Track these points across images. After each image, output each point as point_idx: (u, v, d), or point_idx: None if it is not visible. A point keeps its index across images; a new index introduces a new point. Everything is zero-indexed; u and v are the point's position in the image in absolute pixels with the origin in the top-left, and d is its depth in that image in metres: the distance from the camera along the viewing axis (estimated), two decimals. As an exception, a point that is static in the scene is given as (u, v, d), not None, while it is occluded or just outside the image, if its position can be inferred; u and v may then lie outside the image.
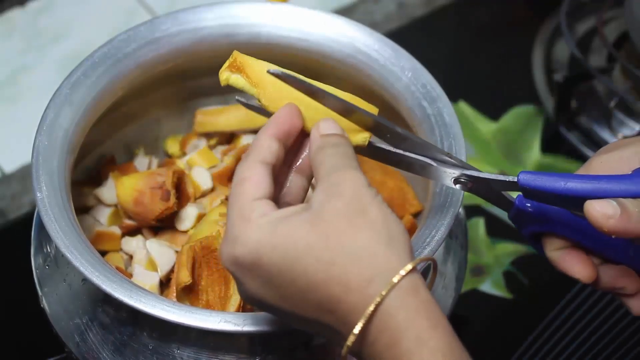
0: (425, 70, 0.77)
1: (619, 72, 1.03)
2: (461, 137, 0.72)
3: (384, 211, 0.56)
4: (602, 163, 0.61)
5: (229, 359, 0.66)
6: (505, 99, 1.06)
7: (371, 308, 0.53)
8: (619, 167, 0.60)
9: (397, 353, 0.53)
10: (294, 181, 0.62)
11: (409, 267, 0.54)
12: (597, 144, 1.01)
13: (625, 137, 0.91)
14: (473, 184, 0.64)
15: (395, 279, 0.54)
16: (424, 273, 0.72)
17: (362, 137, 0.62)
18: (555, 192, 0.59)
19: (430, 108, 0.74)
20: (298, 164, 0.63)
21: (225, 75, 0.63)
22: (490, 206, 0.96)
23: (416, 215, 0.80)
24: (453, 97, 0.77)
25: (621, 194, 0.57)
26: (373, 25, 1.09)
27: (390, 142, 0.63)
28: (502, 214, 0.95)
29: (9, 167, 0.99)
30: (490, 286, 0.90)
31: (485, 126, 1.04)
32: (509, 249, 0.93)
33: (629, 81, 1.02)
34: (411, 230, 0.76)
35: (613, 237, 0.56)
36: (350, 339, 0.54)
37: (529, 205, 0.63)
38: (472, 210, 0.95)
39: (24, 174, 0.98)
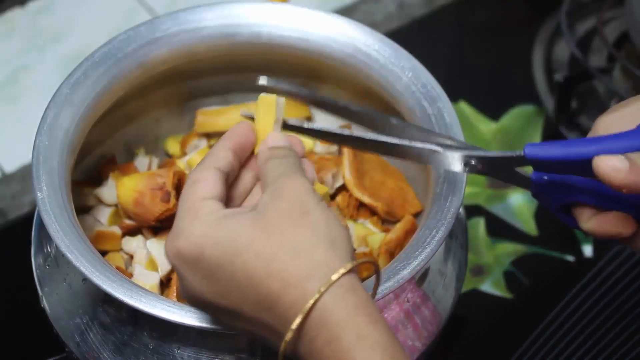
0: (426, 70, 0.77)
1: (619, 72, 1.03)
2: (461, 137, 0.72)
3: (327, 214, 0.57)
4: (606, 124, 0.61)
5: (229, 359, 0.66)
6: (505, 99, 1.06)
7: (310, 303, 0.54)
8: (624, 124, 0.59)
9: (337, 349, 0.54)
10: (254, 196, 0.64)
11: (349, 266, 0.55)
12: (597, 143, 1.01)
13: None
14: (483, 166, 0.63)
15: (334, 277, 0.54)
16: (425, 273, 0.72)
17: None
18: (563, 159, 0.58)
19: (431, 108, 0.74)
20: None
21: None
22: (490, 206, 0.96)
23: (416, 215, 0.80)
24: (453, 97, 0.77)
25: (628, 149, 0.56)
26: (373, 25, 1.09)
27: (391, 135, 0.64)
28: (503, 214, 0.95)
29: (9, 166, 0.99)
30: (490, 286, 0.90)
31: (486, 126, 1.04)
32: (509, 249, 0.93)
33: (629, 81, 1.02)
34: (411, 230, 0.76)
35: (625, 192, 0.55)
36: (289, 335, 0.54)
37: (545, 177, 0.62)
38: (472, 210, 0.95)
39: (24, 174, 0.98)
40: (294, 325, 0.54)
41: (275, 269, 0.55)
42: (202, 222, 0.57)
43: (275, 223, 0.56)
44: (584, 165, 0.57)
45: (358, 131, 0.65)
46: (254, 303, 0.56)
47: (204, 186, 0.59)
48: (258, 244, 0.55)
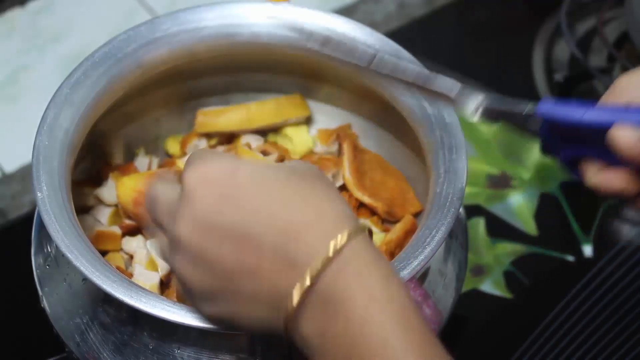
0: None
1: (619, 72, 1.03)
2: (462, 137, 0.72)
3: (327, 182, 0.57)
4: (627, 84, 0.59)
5: (229, 359, 0.66)
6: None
7: (324, 257, 0.52)
8: None
9: (349, 310, 0.51)
10: None
11: (355, 227, 0.53)
12: (597, 143, 1.01)
13: None
14: (490, 114, 0.62)
15: (345, 237, 0.52)
16: (425, 273, 0.72)
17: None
18: (575, 122, 0.58)
19: (431, 108, 0.74)
20: None
21: None
22: (490, 206, 0.96)
23: (416, 215, 0.80)
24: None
25: None
26: (373, 25, 1.09)
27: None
28: (503, 214, 0.95)
29: (9, 167, 0.99)
30: (490, 286, 0.90)
31: (486, 126, 1.03)
32: (509, 249, 0.93)
33: (629, 81, 1.02)
34: (411, 230, 0.76)
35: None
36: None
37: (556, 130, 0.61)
38: (472, 210, 0.95)
39: (24, 174, 0.98)
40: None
41: (306, 199, 0.54)
42: (228, 156, 0.56)
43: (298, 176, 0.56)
44: (599, 131, 0.56)
45: (389, 57, 0.63)
46: (278, 231, 0.53)
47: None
48: (283, 179, 0.55)
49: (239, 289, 0.54)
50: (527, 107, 0.60)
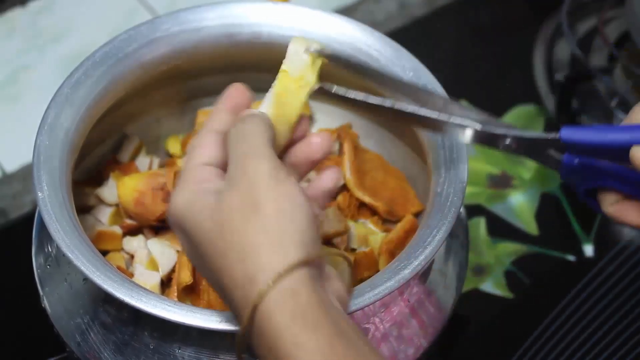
0: (427, 70, 0.76)
1: (620, 71, 1.03)
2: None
3: (278, 205, 0.56)
4: None
5: (229, 359, 0.66)
6: (506, 99, 1.06)
7: (248, 311, 0.54)
8: None
9: (277, 357, 0.53)
10: None
11: (289, 266, 0.54)
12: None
13: None
14: (517, 145, 0.63)
15: (271, 281, 0.54)
16: (426, 273, 0.72)
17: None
18: (599, 144, 0.59)
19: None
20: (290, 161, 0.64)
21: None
22: (491, 205, 0.96)
23: (417, 214, 0.80)
24: (454, 97, 0.77)
25: None
26: (374, 25, 1.08)
27: (430, 108, 0.64)
28: (503, 214, 0.95)
29: (10, 166, 0.99)
30: (491, 286, 0.90)
31: (486, 126, 1.03)
32: (510, 249, 0.93)
33: (630, 81, 1.02)
34: (412, 230, 0.76)
35: None
36: (238, 337, 0.55)
37: (576, 161, 0.63)
38: (473, 210, 0.95)
39: (25, 174, 0.98)
40: (240, 331, 0.55)
41: (226, 266, 0.56)
42: (184, 192, 0.58)
43: (228, 218, 0.56)
44: (620, 153, 0.58)
45: (400, 103, 0.64)
46: (218, 287, 0.58)
47: (200, 152, 0.60)
48: (214, 237, 0.56)
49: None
50: (550, 134, 0.62)
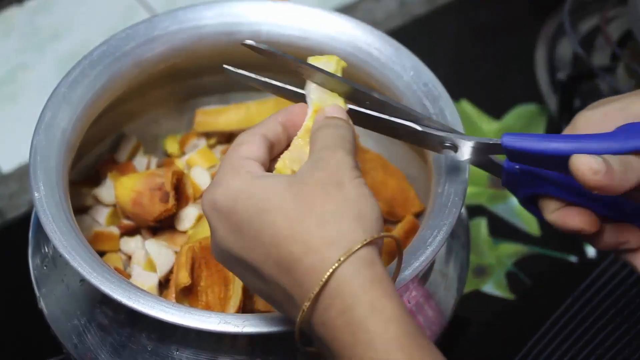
0: (427, 69, 0.76)
1: (622, 70, 1.03)
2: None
3: (360, 190, 0.57)
4: (586, 121, 0.61)
5: (228, 361, 0.66)
6: (508, 98, 1.06)
7: (329, 272, 0.54)
8: (603, 124, 0.60)
9: (351, 319, 0.54)
10: None
11: (369, 239, 0.55)
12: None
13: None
14: (458, 149, 0.65)
15: (354, 247, 0.55)
16: (426, 274, 0.72)
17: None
18: (538, 152, 0.59)
19: (432, 107, 0.74)
20: None
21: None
22: (492, 206, 0.96)
23: (418, 215, 0.80)
24: (455, 96, 0.76)
25: (604, 151, 0.57)
26: (374, 23, 1.08)
27: (371, 109, 0.65)
28: (505, 214, 0.95)
29: (7, 166, 0.99)
30: (492, 287, 0.90)
31: (488, 125, 1.03)
32: (511, 250, 0.93)
33: (632, 80, 1.02)
34: (413, 231, 0.76)
35: (595, 193, 0.56)
36: (306, 304, 0.55)
37: (517, 167, 0.63)
38: (474, 210, 0.95)
39: (22, 174, 0.98)
40: (313, 293, 0.54)
41: (299, 232, 0.56)
42: (241, 177, 0.58)
43: (308, 190, 0.57)
44: (560, 161, 0.58)
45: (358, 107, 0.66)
46: (274, 263, 0.56)
47: (247, 148, 0.61)
48: (287, 205, 0.56)
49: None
50: (492, 140, 0.63)
